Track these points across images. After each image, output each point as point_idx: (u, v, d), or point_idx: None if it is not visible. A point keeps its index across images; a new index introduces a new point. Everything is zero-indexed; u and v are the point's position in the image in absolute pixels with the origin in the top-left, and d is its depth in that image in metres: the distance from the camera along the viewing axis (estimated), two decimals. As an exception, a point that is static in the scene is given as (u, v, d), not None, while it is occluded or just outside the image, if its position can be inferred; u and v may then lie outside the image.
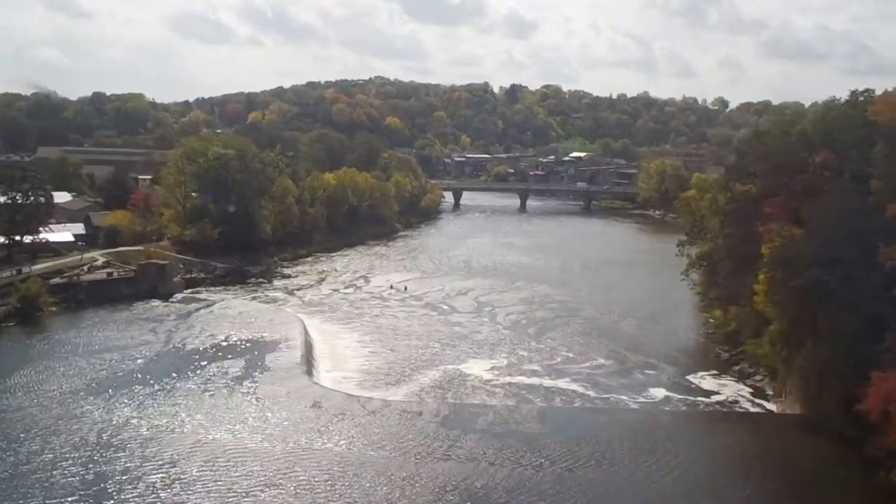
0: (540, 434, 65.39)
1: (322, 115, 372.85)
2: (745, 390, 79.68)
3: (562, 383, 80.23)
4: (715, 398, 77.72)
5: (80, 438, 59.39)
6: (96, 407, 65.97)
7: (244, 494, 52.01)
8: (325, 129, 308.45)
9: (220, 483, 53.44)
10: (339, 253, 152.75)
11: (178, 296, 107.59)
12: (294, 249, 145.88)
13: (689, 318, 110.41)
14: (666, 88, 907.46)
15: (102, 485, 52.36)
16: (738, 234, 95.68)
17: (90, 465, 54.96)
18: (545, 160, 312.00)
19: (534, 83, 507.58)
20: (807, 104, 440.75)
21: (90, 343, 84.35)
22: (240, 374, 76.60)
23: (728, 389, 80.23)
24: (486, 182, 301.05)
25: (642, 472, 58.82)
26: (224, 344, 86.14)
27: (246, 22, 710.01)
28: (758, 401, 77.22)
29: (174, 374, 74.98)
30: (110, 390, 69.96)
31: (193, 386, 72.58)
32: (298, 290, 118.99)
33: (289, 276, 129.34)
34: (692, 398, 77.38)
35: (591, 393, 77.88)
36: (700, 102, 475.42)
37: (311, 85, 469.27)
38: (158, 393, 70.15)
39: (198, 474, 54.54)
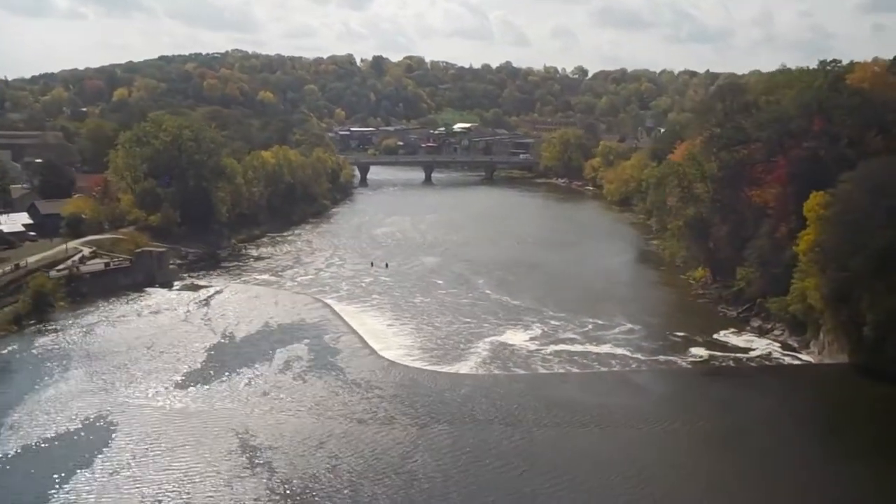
0: (639, 396, 70.13)
1: (193, 91, 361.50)
2: (774, 345, 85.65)
3: (606, 349, 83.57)
4: (752, 353, 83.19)
5: (226, 441, 57.80)
6: (209, 404, 64.71)
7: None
8: (202, 105, 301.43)
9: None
10: (290, 233, 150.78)
11: (177, 283, 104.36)
12: (248, 230, 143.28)
13: (667, 279, 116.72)
14: (502, 56, 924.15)
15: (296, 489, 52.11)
16: (731, 199, 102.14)
17: (268, 470, 53.88)
18: (436, 132, 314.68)
19: (374, 54, 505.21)
20: (657, 71, 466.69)
21: (134, 337, 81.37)
22: (314, 358, 76.70)
23: (757, 344, 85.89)
24: (374, 155, 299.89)
25: (758, 425, 63.87)
26: (269, 330, 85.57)
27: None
28: (788, 353, 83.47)
29: (251, 364, 74.09)
30: (205, 386, 68.45)
31: (279, 374, 72.09)
32: (282, 271, 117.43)
33: (260, 258, 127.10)
34: (732, 354, 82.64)
35: (640, 356, 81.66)
36: (560, 72, 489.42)
37: (164, 59, 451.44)
38: (254, 383, 69.44)
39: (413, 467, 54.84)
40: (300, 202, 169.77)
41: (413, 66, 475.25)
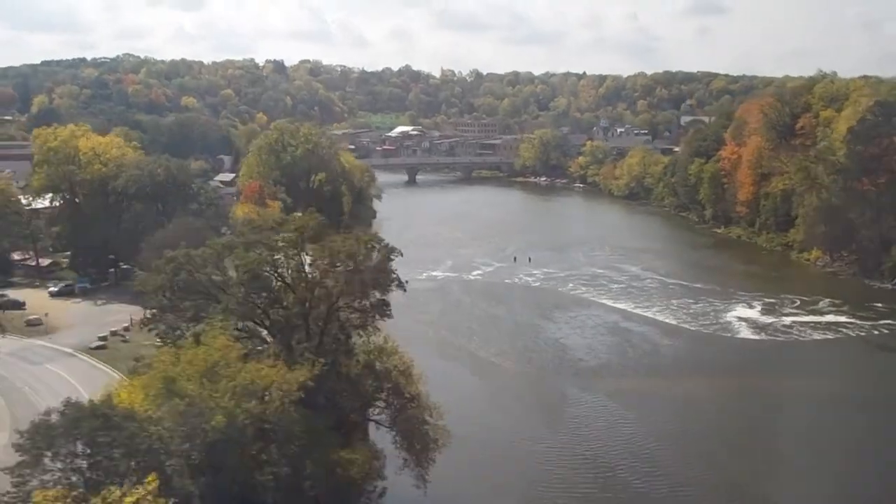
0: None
1: (118, 97, 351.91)
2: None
3: (831, 318, 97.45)
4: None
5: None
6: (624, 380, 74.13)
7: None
8: (132, 112, 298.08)
9: None
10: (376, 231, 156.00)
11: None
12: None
13: (782, 261, 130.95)
14: (342, 58, 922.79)
15: None
16: (872, 187, 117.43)
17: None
18: (393, 135, 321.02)
19: (208, 56, 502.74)
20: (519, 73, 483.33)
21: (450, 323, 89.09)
22: (636, 330, 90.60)
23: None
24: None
25: None
26: (560, 314, 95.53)
27: None
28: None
29: (597, 340, 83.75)
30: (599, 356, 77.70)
31: (643, 358, 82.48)
32: (441, 266, 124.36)
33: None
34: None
35: (864, 322, 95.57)
36: (458, 75, 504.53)
37: (48, 64, 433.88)
38: (624, 355, 79.08)
39: None
40: (356, 202, 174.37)
41: (314, 69, 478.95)
